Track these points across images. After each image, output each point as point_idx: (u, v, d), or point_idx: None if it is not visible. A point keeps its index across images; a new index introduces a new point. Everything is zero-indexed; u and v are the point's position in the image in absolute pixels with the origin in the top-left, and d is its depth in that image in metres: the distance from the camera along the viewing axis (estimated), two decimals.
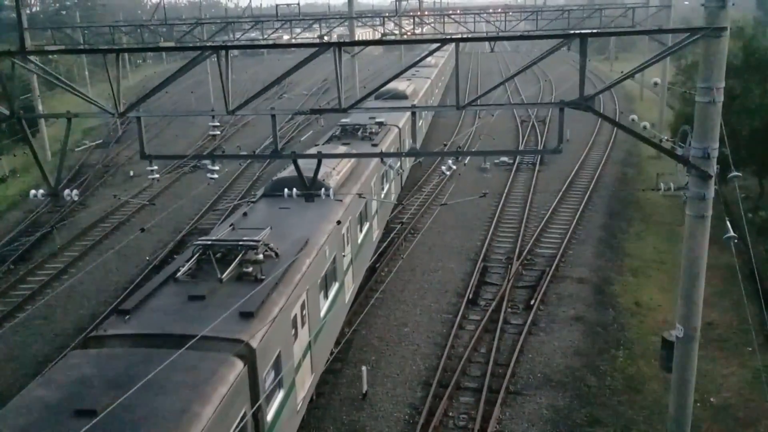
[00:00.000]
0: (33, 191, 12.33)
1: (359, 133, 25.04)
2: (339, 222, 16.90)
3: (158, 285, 12.39)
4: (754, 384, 16.06)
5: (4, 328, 19.42)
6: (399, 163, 25.57)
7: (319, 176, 14.93)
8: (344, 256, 17.56)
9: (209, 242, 13.83)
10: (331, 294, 15.96)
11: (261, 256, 13.27)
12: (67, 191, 12.18)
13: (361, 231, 19.96)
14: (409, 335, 18.74)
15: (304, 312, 13.52)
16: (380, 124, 26.32)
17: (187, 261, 13.21)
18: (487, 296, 20.91)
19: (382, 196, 24.04)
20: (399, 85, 34.51)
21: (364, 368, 16.31)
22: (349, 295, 18.22)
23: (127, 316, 11.28)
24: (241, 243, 13.55)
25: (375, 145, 23.44)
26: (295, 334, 12.94)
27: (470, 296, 20.68)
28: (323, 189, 13.71)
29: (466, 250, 24.49)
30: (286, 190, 15.02)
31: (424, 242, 24.64)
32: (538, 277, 22.10)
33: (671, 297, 19.08)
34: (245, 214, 16.54)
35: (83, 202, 31.75)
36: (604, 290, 21.30)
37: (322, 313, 15.03)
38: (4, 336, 19.16)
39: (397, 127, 27.67)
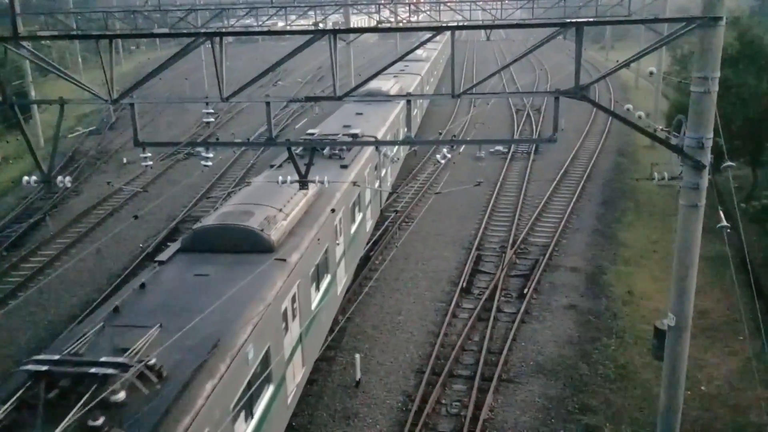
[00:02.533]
0: (26, 178, 12.26)
1: (325, 150, 20.60)
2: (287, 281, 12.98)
3: None
4: (744, 373, 16.19)
5: None
6: (379, 187, 23.10)
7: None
8: (290, 344, 13.11)
9: (47, 363, 8.93)
10: None
11: (122, 395, 8.31)
12: (60, 178, 12.11)
13: (319, 300, 15.42)
14: (403, 323, 18.80)
15: None
16: (354, 136, 22.12)
17: (5, 401, 8.32)
18: (481, 285, 20.97)
19: (358, 234, 20.34)
20: (383, 84, 30.73)
21: (357, 356, 16.37)
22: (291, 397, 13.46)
23: None
24: (94, 370, 8.66)
25: (344, 167, 19.51)
26: None
27: (464, 285, 20.73)
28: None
29: (460, 239, 24.53)
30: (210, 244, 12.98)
31: (418, 231, 24.65)
32: (531, 265, 22.17)
33: (664, 286, 19.17)
34: (143, 285, 11.84)
35: (76, 189, 31.61)
36: (597, 279, 21.39)
37: None
38: None
39: (375, 138, 23.32)
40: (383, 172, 25.15)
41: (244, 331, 10.56)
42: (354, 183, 19.14)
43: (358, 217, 20.41)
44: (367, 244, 22.48)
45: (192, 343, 9.80)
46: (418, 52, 42.95)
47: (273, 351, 11.75)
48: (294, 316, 13.26)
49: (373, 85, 29.40)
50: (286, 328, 12.73)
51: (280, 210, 14.71)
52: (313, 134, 22.77)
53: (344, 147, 20.90)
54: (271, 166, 20.02)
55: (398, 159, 29.25)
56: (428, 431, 14.49)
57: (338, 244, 17.41)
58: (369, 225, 22.53)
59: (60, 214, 28.15)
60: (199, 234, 13.66)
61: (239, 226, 13.51)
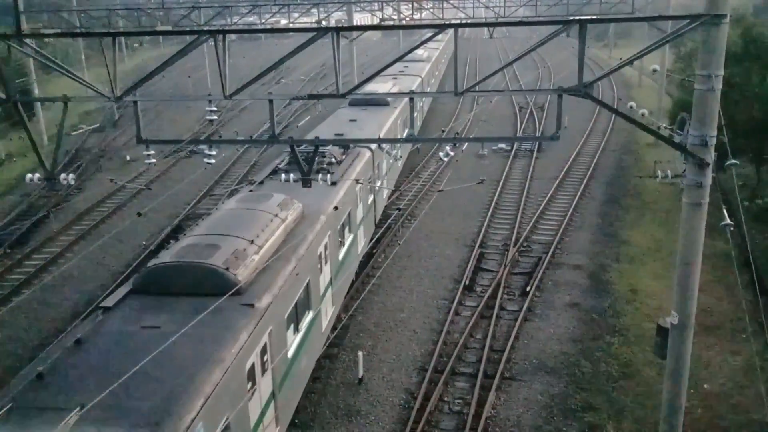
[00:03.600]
0: (29, 175, 12.31)
1: (313, 164, 19.23)
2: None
3: None
4: (747, 371, 16.17)
5: (1, 312, 19.44)
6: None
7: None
8: None
9: None
10: None
11: None
12: (63, 175, 12.14)
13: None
14: (406, 321, 18.81)
15: None
16: (345, 147, 20.71)
17: None
18: (484, 282, 20.96)
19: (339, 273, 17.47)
20: (380, 87, 28.76)
21: (360, 353, 16.38)
22: None
23: None
24: None
25: (332, 183, 17.45)
26: None
27: (467, 282, 20.73)
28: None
29: (463, 237, 24.52)
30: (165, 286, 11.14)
31: (421, 228, 24.65)
32: (534, 263, 22.16)
33: (667, 284, 19.15)
34: (79, 341, 9.90)
35: (79, 187, 31.66)
36: (600, 277, 21.37)
37: None
38: (1, 320, 19.18)
39: (370, 150, 21.72)
40: (379, 183, 23.45)
41: (192, 407, 8.59)
42: (341, 204, 17.26)
43: (348, 238, 18.49)
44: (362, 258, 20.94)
45: None
46: (419, 51, 41.52)
47: (233, 425, 9.75)
48: (264, 371, 11.31)
49: (370, 88, 27.97)
50: (254, 389, 10.79)
51: (252, 242, 12.66)
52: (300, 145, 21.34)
53: (333, 161, 19.05)
54: (251, 182, 18.12)
55: (400, 157, 28.55)
56: (431, 429, 14.51)
57: (323, 274, 15.50)
58: (361, 245, 20.56)
59: (63, 212, 28.21)
60: (152, 273, 11.60)
61: (199, 264, 11.51)
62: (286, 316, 12.49)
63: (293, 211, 14.85)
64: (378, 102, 27.61)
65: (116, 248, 24.19)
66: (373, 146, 21.99)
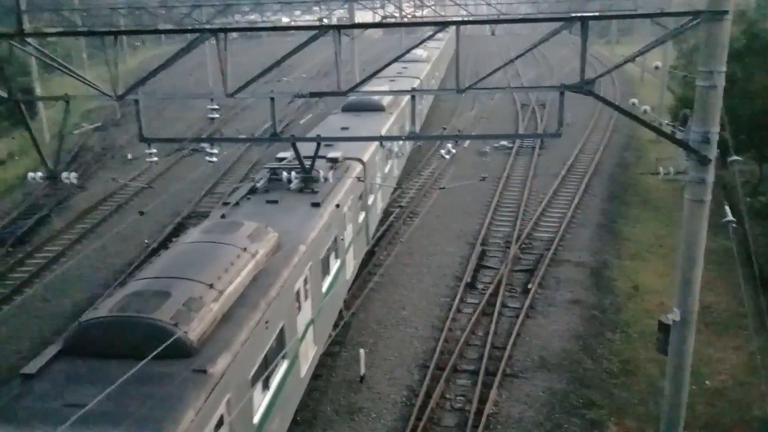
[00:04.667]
0: (31, 174, 12.37)
1: (292, 184, 16.74)
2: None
3: None
4: (749, 367, 16.17)
5: (3, 310, 19.49)
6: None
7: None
8: None
9: None
10: None
11: None
12: (65, 174, 12.18)
13: None
14: (407, 318, 18.83)
15: None
16: (333, 161, 18.39)
17: None
18: (485, 280, 20.97)
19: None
20: (380, 88, 27.47)
21: (362, 351, 16.40)
22: None
23: None
24: None
25: (316, 205, 15.60)
26: None
27: (468, 280, 20.74)
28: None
29: (464, 234, 24.52)
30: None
31: (422, 226, 24.66)
32: (536, 260, 22.16)
33: (669, 281, 19.15)
34: None
35: (81, 185, 31.67)
36: (601, 274, 21.36)
37: None
38: (3, 318, 19.23)
39: (361, 162, 19.94)
40: (371, 198, 21.61)
41: None
42: (326, 229, 15.46)
43: (335, 265, 16.50)
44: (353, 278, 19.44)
45: None
46: (418, 51, 40.44)
47: None
48: None
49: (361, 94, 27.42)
50: None
51: (211, 286, 10.62)
52: (283, 159, 18.74)
53: (317, 179, 16.99)
54: (225, 205, 15.92)
55: (399, 163, 27.56)
56: (433, 426, 14.53)
57: (302, 313, 13.61)
58: (350, 270, 18.58)
59: (65, 211, 28.26)
60: (86, 331, 9.57)
61: (141, 319, 9.49)
62: (250, 376, 10.45)
63: (266, 243, 12.83)
64: (373, 107, 26.11)
65: (118, 247, 24.22)
66: (365, 156, 20.39)
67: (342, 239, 17.14)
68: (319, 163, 17.41)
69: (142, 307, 9.76)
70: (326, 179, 17.09)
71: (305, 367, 13.89)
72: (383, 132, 23.92)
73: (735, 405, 15.04)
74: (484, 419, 14.45)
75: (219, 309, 10.44)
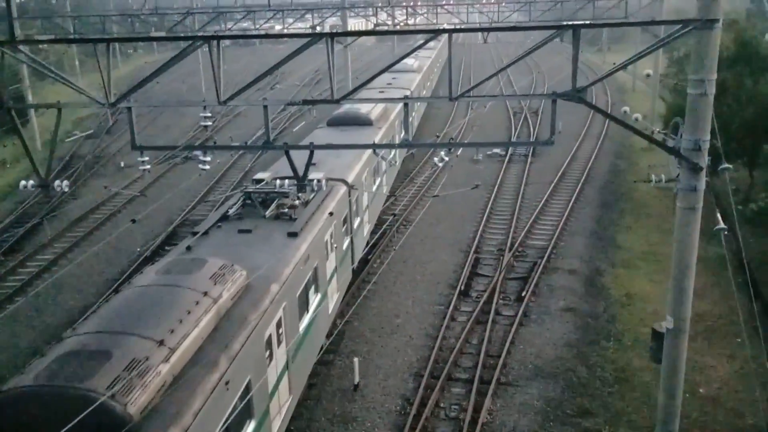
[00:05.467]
0: (23, 182, 12.27)
1: (268, 210, 15.38)
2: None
3: None
4: (742, 375, 16.19)
5: None
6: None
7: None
8: None
9: None
10: None
11: None
12: (57, 182, 12.11)
13: None
14: (401, 326, 18.78)
15: None
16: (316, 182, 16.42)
17: None
18: (479, 288, 20.96)
19: None
20: (360, 107, 26.02)
21: (356, 359, 16.33)
22: None
23: None
24: None
25: (293, 235, 14.20)
26: None
27: (462, 288, 20.72)
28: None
29: (458, 242, 24.52)
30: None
31: (416, 234, 24.64)
32: (529, 268, 22.17)
33: (662, 288, 19.18)
34: None
35: (74, 193, 31.56)
36: (595, 282, 21.39)
37: None
38: None
39: (346, 183, 18.60)
40: (357, 221, 20.10)
41: None
42: (304, 263, 13.97)
43: (314, 301, 14.96)
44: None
45: None
46: (408, 61, 39.95)
47: None
48: None
49: (348, 106, 25.46)
50: None
51: (161, 343, 9.06)
52: (261, 180, 17.47)
53: (296, 203, 15.83)
54: (193, 235, 14.35)
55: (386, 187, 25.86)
56: None
57: (273, 362, 12.03)
58: (333, 303, 16.97)
59: (57, 219, 28.10)
60: (5, 404, 8.04)
61: (69, 390, 7.95)
62: None
63: (232, 284, 11.29)
64: (360, 121, 24.85)
65: (110, 255, 24.09)
66: (351, 178, 19.03)
67: (324, 270, 15.66)
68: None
69: (74, 372, 8.17)
70: (307, 202, 15.99)
71: (277, 424, 12.20)
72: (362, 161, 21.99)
73: (729, 413, 15.05)
74: (478, 428, 14.40)
75: (169, 371, 8.82)
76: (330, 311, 16.74)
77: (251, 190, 16.34)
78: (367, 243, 22.17)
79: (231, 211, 15.50)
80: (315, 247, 14.88)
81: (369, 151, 21.92)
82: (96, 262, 23.41)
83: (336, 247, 17.16)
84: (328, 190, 17.29)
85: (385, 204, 26.69)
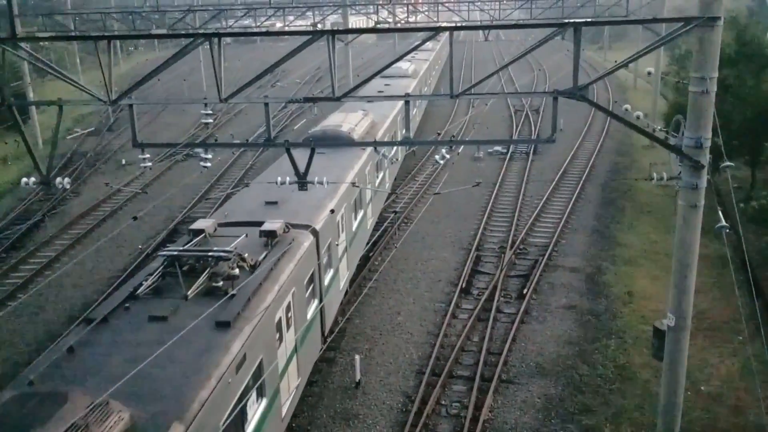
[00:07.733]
0: (24, 179, 12.26)
1: (196, 281, 11.16)
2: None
3: None
4: (744, 373, 16.18)
5: None
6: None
7: None
8: None
9: None
10: None
11: None
12: (58, 179, 12.11)
13: None
14: (402, 324, 18.79)
15: None
16: (269, 235, 13.25)
17: None
18: (480, 285, 20.96)
19: None
20: (349, 117, 23.26)
21: (357, 357, 16.35)
22: None
23: None
24: None
25: (223, 326, 10.13)
26: None
27: (463, 285, 20.72)
28: None
29: (459, 240, 24.52)
30: None
31: (417, 231, 24.64)
32: (530, 266, 22.16)
33: (663, 286, 19.17)
34: None
35: (75, 191, 31.58)
36: (596, 279, 21.38)
37: None
38: None
39: (312, 230, 14.63)
40: (329, 275, 16.23)
41: None
42: (238, 371, 9.91)
43: (256, 413, 10.88)
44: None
45: None
46: (403, 66, 37.93)
47: None
48: None
49: (333, 121, 22.97)
50: None
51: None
52: (199, 232, 13.27)
53: (235, 270, 11.56)
54: (87, 323, 10.29)
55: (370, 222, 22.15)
56: None
57: None
58: (287, 408, 12.76)
59: (58, 216, 28.12)
60: None
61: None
62: None
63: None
64: (340, 142, 20.62)
65: (112, 252, 24.11)
66: (320, 224, 15.06)
67: (273, 363, 11.49)
68: (249, 241, 12.64)
69: None
70: (254, 266, 12.02)
71: None
72: (353, 173, 19.04)
73: (730, 410, 15.05)
74: (479, 426, 14.42)
75: None
76: (283, 418, 12.39)
77: (176, 252, 12.03)
78: (346, 292, 18.66)
79: (144, 285, 11.24)
80: (258, 338, 10.70)
81: (354, 172, 19.27)
82: (97, 260, 23.42)
83: (296, 324, 13.10)
84: (287, 242, 13.41)
85: (366, 246, 21.79)
